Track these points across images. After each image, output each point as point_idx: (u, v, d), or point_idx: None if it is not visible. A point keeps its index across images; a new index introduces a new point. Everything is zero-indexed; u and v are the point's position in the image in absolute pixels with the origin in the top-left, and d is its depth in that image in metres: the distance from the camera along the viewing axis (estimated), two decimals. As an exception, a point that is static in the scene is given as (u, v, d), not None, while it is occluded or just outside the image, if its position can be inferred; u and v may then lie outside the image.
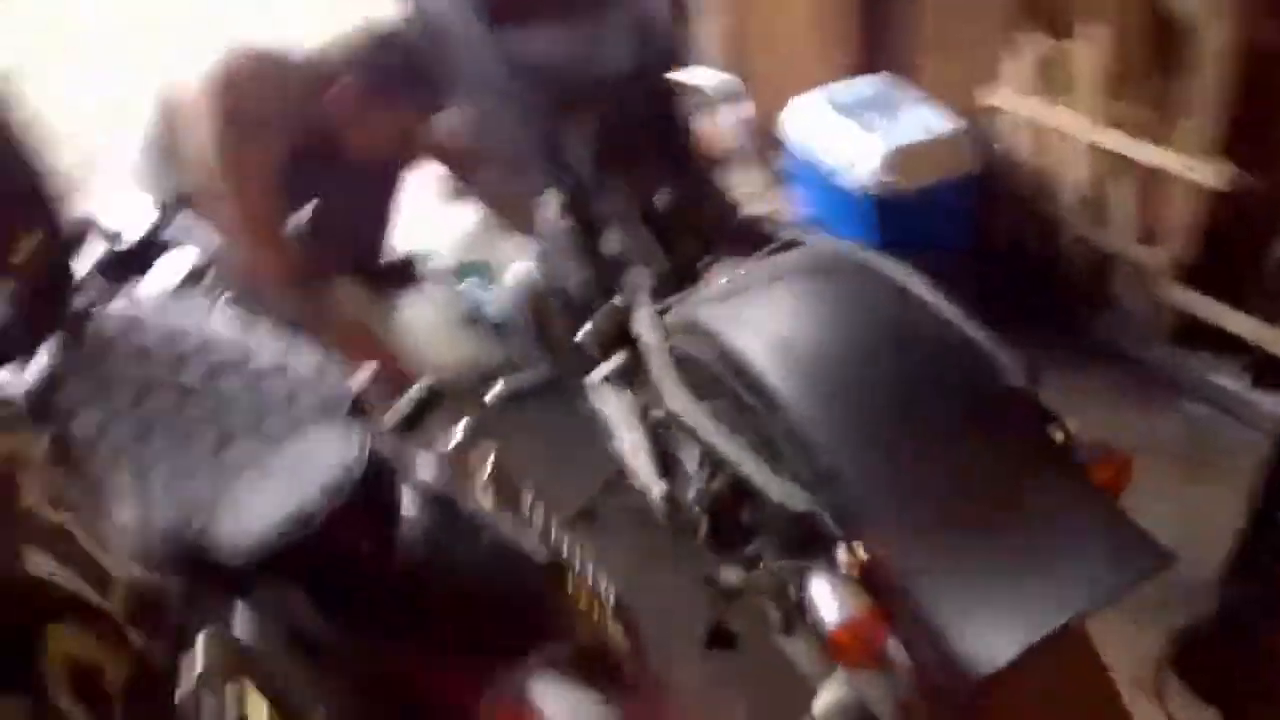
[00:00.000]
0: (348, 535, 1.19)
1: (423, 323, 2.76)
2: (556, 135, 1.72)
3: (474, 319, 2.63)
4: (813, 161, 2.65)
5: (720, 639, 1.69)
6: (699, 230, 1.69)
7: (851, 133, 2.51)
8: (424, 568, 1.19)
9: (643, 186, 1.70)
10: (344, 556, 1.20)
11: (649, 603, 1.90)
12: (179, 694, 1.28)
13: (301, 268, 2.49)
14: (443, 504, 1.26)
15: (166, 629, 1.04)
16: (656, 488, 1.70)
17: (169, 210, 1.78)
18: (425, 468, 1.34)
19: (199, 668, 1.29)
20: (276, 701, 1.25)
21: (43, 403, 1.48)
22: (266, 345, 1.47)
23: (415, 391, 1.88)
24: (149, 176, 2.41)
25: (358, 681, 1.19)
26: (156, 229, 1.75)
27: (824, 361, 1.27)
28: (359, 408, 1.43)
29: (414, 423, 1.74)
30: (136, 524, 1.30)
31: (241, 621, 1.27)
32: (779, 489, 1.25)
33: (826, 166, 2.59)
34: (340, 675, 1.20)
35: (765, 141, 2.97)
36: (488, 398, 2.31)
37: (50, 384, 1.47)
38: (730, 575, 1.58)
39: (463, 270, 2.75)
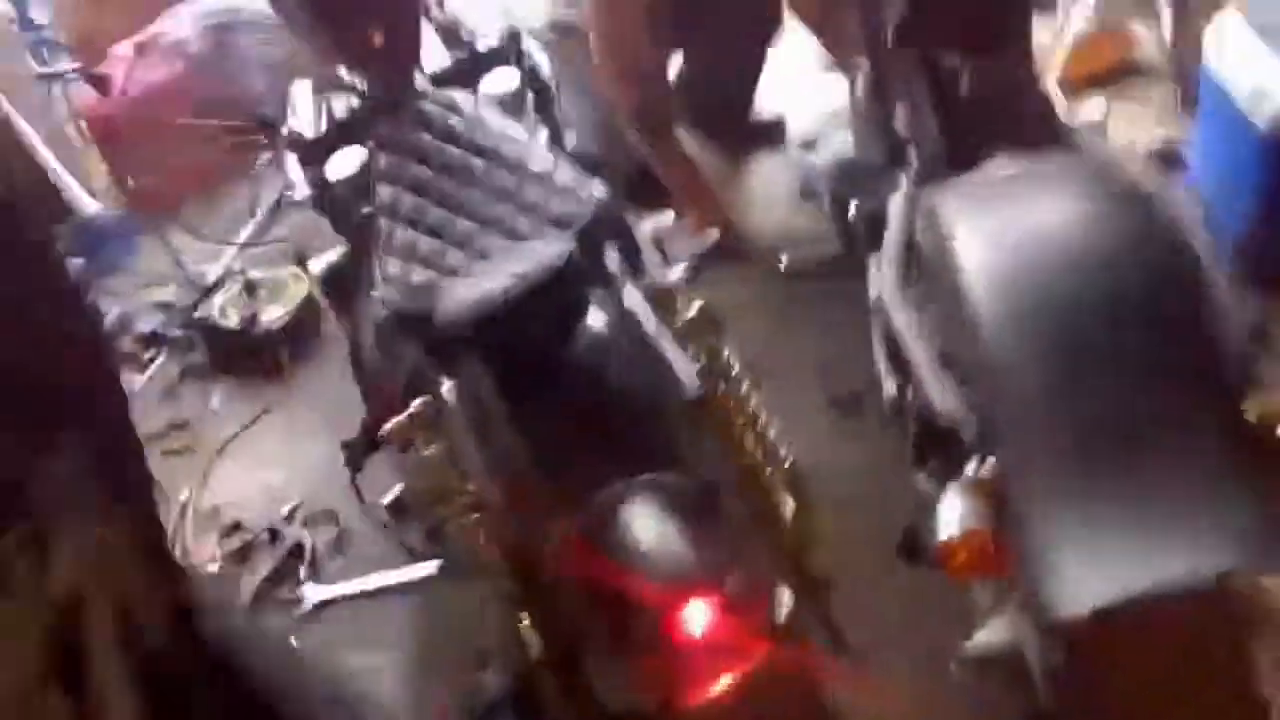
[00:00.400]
0: (526, 326, 1.31)
1: (765, 187, 2.80)
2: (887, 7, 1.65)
3: (811, 191, 2.63)
4: (1222, 89, 2.34)
5: (911, 550, 1.65)
6: (994, 120, 1.58)
7: (1270, 58, 2.18)
8: (585, 371, 1.30)
9: (949, 65, 1.61)
10: (522, 345, 1.33)
11: (861, 499, 1.89)
12: (391, 432, 1.50)
13: (660, 109, 2.61)
14: (625, 322, 1.35)
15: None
16: (887, 385, 1.67)
17: (518, 33, 1.93)
18: (631, 293, 1.42)
19: (408, 419, 1.49)
20: (455, 463, 1.43)
21: (364, 178, 1.71)
22: (541, 155, 1.60)
23: (702, 242, 1.96)
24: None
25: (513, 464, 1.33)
26: (506, 47, 1.91)
27: (1034, 274, 1.18)
28: (600, 227, 1.52)
29: (695, 271, 1.82)
30: (391, 286, 1.51)
31: (448, 388, 1.44)
32: (936, 390, 1.20)
33: (1234, 96, 2.28)
34: (500, 454, 1.34)
35: (1187, 59, 2.65)
36: (781, 265, 2.33)
37: (371, 161, 1.70)
38: (926, 485, 1.54)
39: (817, 141, 2.74)
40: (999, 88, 1.64)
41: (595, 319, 1.38)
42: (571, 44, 2.54)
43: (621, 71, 2.50)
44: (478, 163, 1.60)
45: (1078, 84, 2.83)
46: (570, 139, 2.04)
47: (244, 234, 2.87)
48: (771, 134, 2.91)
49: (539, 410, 1.30)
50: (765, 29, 2.61)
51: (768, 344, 2.30)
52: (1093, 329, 1.11)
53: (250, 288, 2.64)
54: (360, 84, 1.80)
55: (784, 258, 2.30)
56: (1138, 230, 1.19)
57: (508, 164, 1.60)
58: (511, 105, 1.83)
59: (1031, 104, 1.67)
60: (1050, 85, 2.75)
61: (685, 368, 1.29)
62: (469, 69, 1.88)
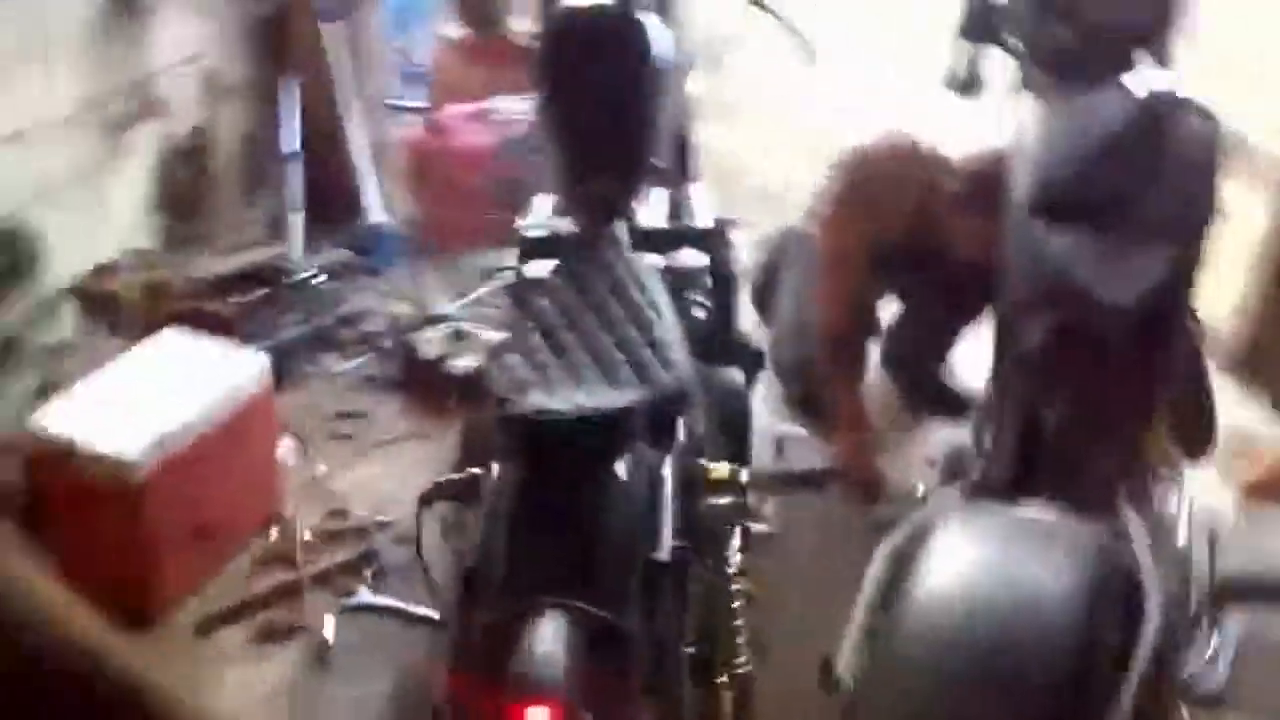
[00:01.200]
0: (563, 452, 1.54)
1: (922, 448, 2.88)
2: (1020, 330, 1.75)
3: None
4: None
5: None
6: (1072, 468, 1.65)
7: None
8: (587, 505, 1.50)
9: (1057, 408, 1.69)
10: (553, 464, 1.54)
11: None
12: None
13: (855, 338, 2.79)
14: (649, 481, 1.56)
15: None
16: None
17: (726, 224, 2.20)
18: (671, 461, 1.62)
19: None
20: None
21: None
22: (671, 330, 1.82)
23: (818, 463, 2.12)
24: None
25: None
26: (711, 232, 2.19)
27: (960, 624, 1.30)
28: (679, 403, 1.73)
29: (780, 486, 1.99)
30: (501, 372, 1.76)
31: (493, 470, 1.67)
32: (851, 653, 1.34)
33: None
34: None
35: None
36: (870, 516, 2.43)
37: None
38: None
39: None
40: (1090, 445, 1.70)
41: (627, 469, 1.57)
42: (809, 249, 2.79)
43: (834, 291, 2.71)
44: (618, 312, 1.84)
45: (1270, 491, 2.76)
46: (761, 329, 2.27)
47: (476, 291, 3.28)
48: (955, 404, 3.00)
49: (534, 520, 1.51)
50: (976, 296, 2.73)
51: (808, 572, 2.38)
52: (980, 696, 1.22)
53: (457, 335, 3.03)
54: (574, 215, 2.11)
55: (876, 510, 2.41)
56: (1068, 625, 1.27)
57: (641, 325, 1.82)
58: (689, 281, 2.09)
59: (1120, 464, 1.70)
60: (1227, 479, 2.71)
61: (668, 535, 1.47)
62: (669, 238, 2.15)
